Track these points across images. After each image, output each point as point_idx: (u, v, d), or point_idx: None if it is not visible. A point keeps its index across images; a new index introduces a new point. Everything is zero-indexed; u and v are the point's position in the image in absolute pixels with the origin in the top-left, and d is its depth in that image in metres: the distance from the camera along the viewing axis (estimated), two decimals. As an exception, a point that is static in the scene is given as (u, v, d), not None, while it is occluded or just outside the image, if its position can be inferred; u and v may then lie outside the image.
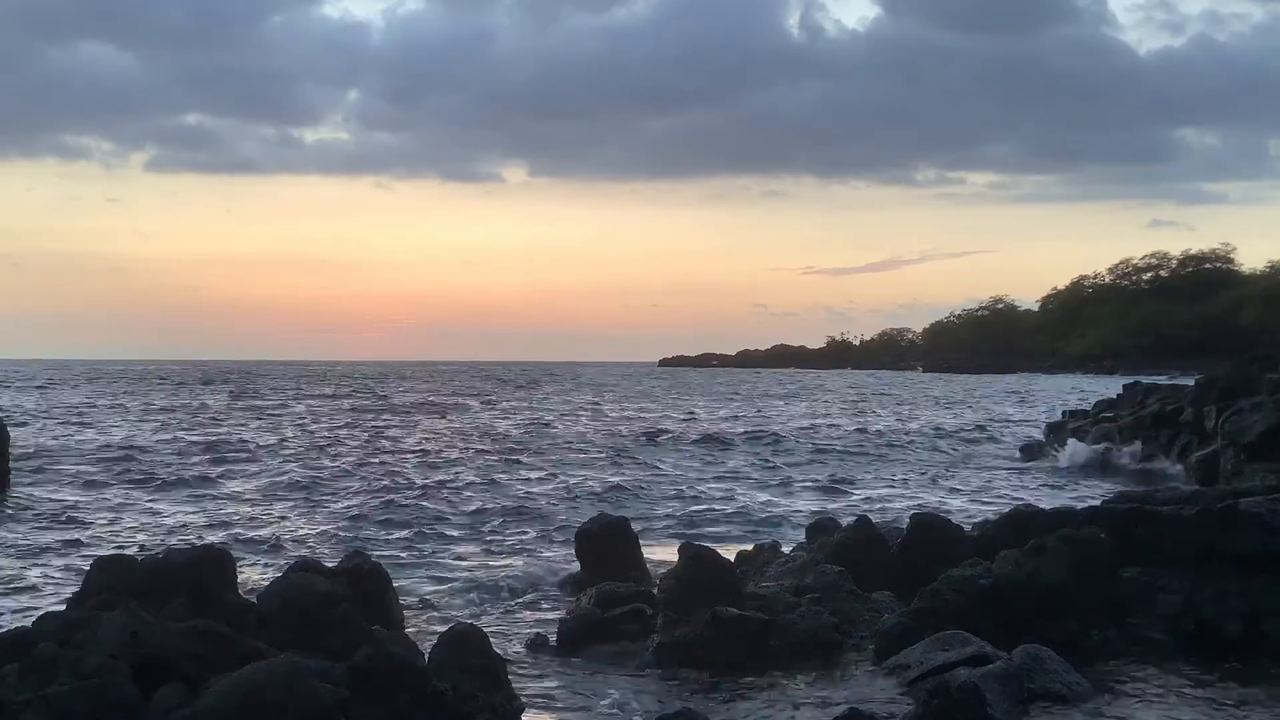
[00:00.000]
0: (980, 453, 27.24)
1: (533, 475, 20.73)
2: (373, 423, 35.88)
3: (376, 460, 23.10)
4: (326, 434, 30.65)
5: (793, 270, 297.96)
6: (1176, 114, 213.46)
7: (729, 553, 9.84)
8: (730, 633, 7.32)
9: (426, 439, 29.25)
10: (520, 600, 9.89)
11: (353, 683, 5.45)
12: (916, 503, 16.85)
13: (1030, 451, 25.88)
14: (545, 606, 9.61)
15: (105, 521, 14.51)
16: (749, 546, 10.88)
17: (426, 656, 6.24)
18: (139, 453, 23.69)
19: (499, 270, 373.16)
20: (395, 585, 8.62)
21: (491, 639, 6.69)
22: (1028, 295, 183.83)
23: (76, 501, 16.24)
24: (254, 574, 10.58)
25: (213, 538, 12.63)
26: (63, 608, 7.23)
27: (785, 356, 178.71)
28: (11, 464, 17.84)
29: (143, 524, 14.48)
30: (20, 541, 12.75)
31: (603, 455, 24.96)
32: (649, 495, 17.77)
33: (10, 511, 15.01)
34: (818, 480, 20.26)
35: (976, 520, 11.08)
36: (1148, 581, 7.81)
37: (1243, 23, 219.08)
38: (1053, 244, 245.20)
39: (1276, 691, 6.56)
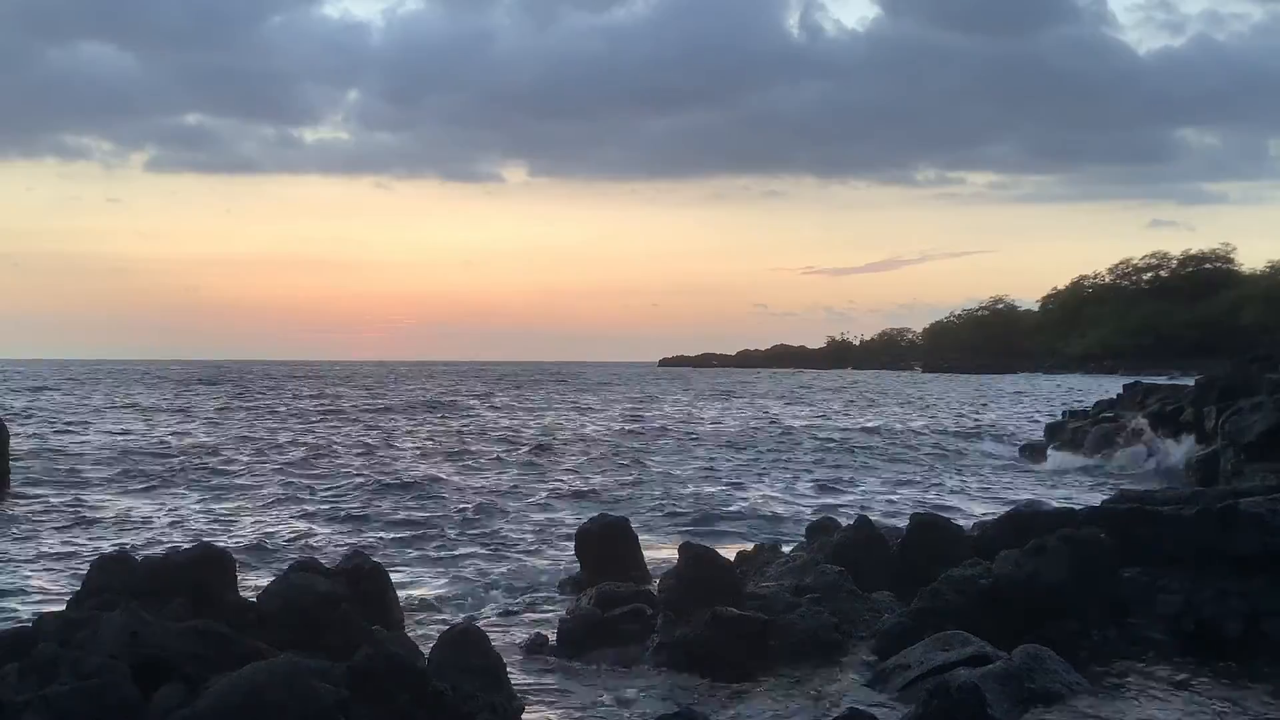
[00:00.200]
0: (980, 453, 27.24)
1: (533, 475, 20.76)
2: (373, 423, 35.91)
3: (376, 460, 23.13)
4: (326, 434, 30.68)
5: (793, 270, 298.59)
6: (1176, 114, 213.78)
7: (729, 553, 9.84)
8: (730, 633, 7.31)
9: (426, 439, 29.29)
10: (520, 600, 9.87)
11: (353, 683, 5.45)
12: (916, 503, 16.87)
13: (1030, 452, 25.93)
14: (545, 606, 9.60)
15: (105, 521, 14.51)
16: (749, 546, 10.88)
17: (426, 656, 6.24)
18: (139, 452, 23.73)
19: (499, 270, 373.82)
20: (395, 585, 8.62)
21: (491, 639, 6.69)
22: (1028, 295, 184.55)
23: (76, 501, 16.23)
24: (254, 574, 10.58)
25: (213, 538, 12.62)
26: (63, 607, 7.23)
27: (785, 356, 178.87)
28: (11, 464, 17.86)
29: (143, 524, 14.48)
30: (20, 541, 12.76)
31: (603, 455, 24.99)
32: (649, 495, 17.77)
33: (10, 511, 15.01)
34: (818, 480, 20.27)
35: (976, 520, 11.08)
36: (1148, 581, 7.80)
37: (1242, 23, 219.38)
38: (1053, 244, 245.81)
39: (1277, 691, 6.56)
